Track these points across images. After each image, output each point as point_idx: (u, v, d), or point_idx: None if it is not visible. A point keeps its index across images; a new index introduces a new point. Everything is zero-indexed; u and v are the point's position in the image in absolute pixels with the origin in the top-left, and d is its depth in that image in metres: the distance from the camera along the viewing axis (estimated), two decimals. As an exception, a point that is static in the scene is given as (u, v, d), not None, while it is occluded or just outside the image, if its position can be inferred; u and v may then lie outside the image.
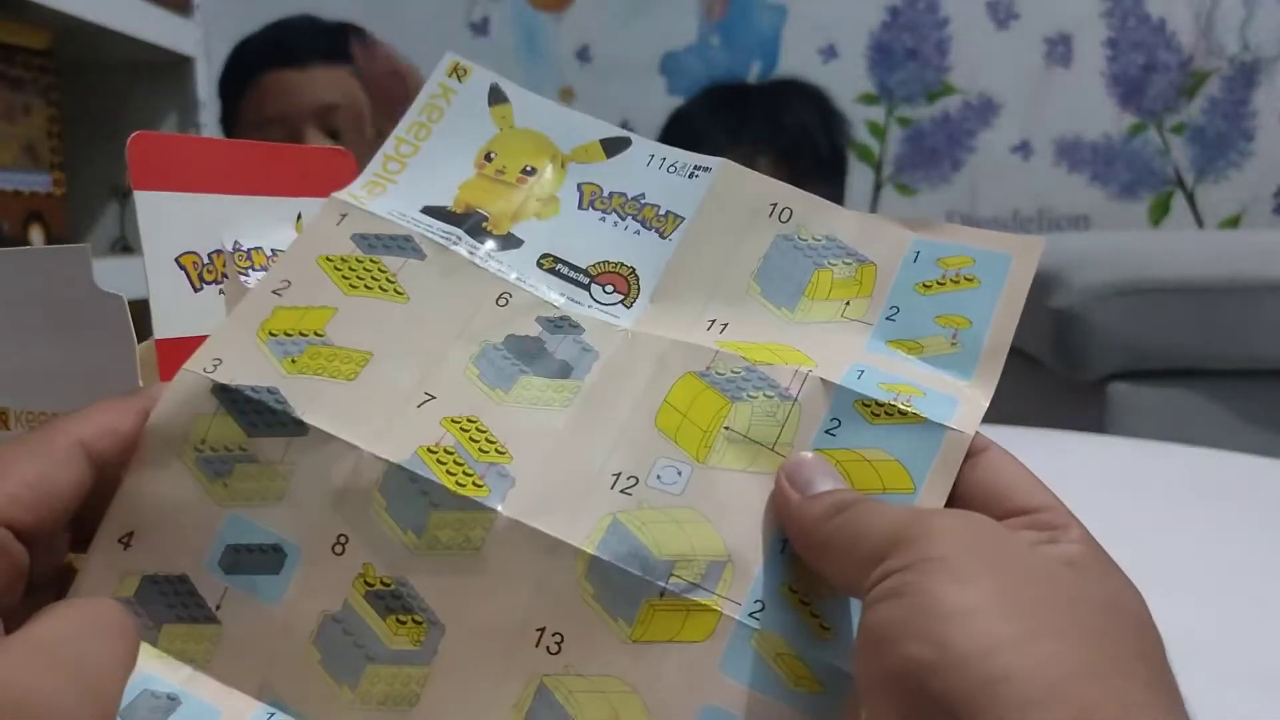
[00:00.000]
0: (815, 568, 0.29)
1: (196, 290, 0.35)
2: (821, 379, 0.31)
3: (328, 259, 0.33)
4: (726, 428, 0.31)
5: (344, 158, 0.41)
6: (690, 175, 0.37)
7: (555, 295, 0.34)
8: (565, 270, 0.35)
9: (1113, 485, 0.76)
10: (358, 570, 0.29)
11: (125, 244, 1.93)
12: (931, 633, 0.24)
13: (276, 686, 0.28)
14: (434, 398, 0.31)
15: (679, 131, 1.13)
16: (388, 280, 0.33)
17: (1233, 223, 2.11)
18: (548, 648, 0.27)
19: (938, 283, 0.34)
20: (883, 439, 0.30)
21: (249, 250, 0.37)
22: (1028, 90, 2.09)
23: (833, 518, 0.28)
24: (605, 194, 0.37)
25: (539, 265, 0.35)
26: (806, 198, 0.37)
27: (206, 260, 0.36)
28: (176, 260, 0.35)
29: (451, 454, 0.30)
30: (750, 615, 0.28)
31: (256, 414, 0.30)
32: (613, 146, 0.38)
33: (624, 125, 0.40)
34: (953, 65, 2.09)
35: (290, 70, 1.18)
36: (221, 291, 0.36)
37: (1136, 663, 0.24)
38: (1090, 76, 2.09)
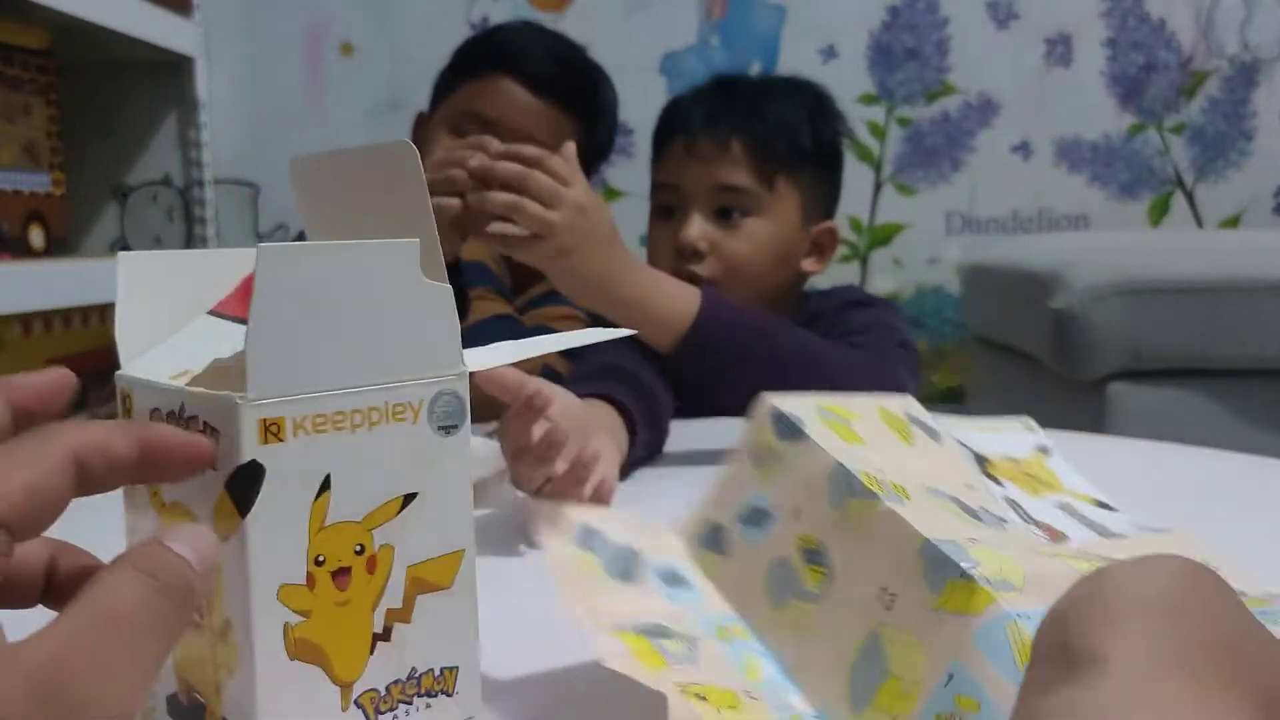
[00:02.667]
0: None
1: None
2: None
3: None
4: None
5: None
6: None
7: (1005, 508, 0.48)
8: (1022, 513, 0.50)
9: (1111, 485, 0.77)
10: (801, 532, 0.43)
11: (125, 244, 1.93)
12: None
13: (736, 600, 0.44)
14: (881, 470, 0.43)
15: (667, 115, 1.14)
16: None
17: (1232, 223, 2.11)
18: (885, 603, 0.38)
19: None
20: None
21: None
22: (1027, 90, 2.09)
23: None
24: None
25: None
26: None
27: None
28: None
29: (875, 479, 0.42)
30: (1015, 614, 0.34)
31: (786, 426, 0.46)
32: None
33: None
34: (952, 65, 2.09)
35: (527, 90, 1.17)
36: None
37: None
38: (1090, 76, 2.09)
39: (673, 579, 0.45)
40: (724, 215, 1.06)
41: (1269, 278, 1.47)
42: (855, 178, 2.12)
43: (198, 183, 1.93)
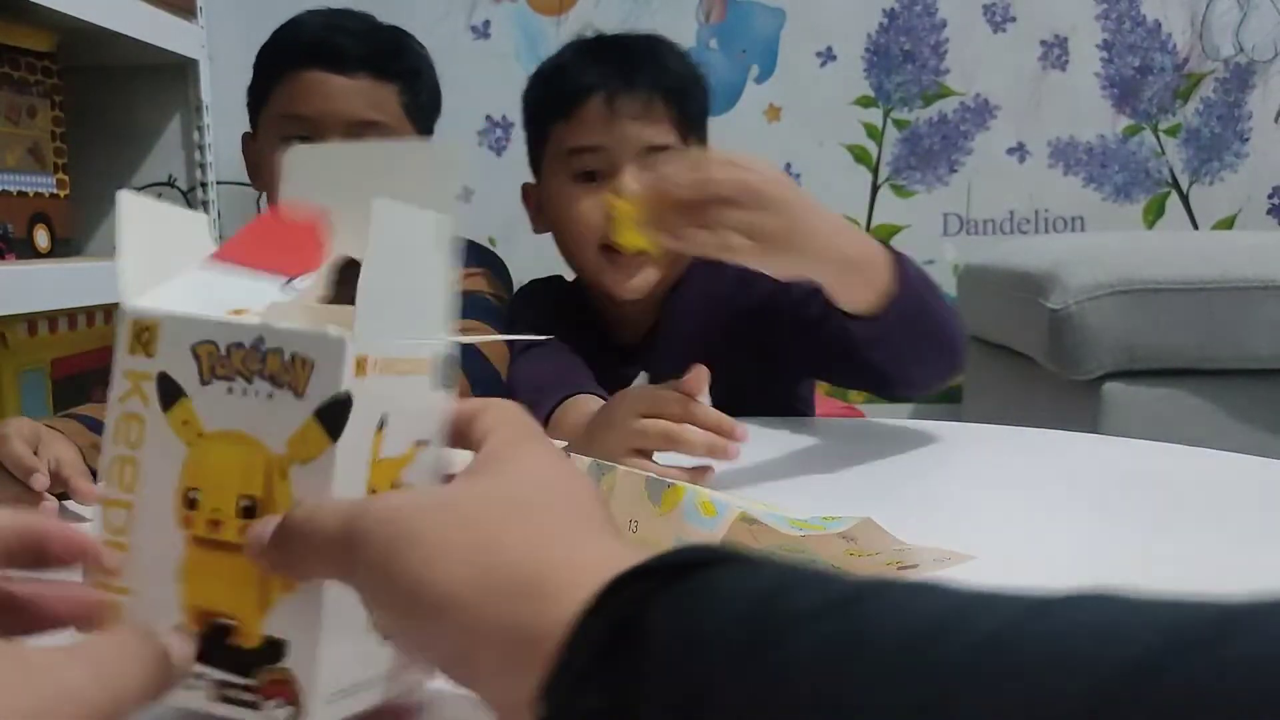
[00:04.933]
0: None
1: None
2: None
3: None
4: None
5: None
6: None
7: None
8: None
9: (1106, 484, 0.78)
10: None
11: (129, 245, 1.94)
12: None
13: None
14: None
15: (553, 87, 1.09)
16: None
17: (1227, 224, 2.13)
18: (632, 530, 0.54)
19: None
20: None
21: None
22: (1024, 92, 2.10)
23: None
24: None
25: None
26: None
27: None
28: None
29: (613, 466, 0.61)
30: (697, 489, 0.54)
31: (597, 468, 0.62)
32: None
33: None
34: (949, 68, 2.11)
35: (335, 75, 1.14)
36: None
37: None
38: (1086, 79, 2.10)
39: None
40: None
41: (1263, 278, 1.49)
42: (853, 180, 2.14)
43: (202, 184, 1.94)
